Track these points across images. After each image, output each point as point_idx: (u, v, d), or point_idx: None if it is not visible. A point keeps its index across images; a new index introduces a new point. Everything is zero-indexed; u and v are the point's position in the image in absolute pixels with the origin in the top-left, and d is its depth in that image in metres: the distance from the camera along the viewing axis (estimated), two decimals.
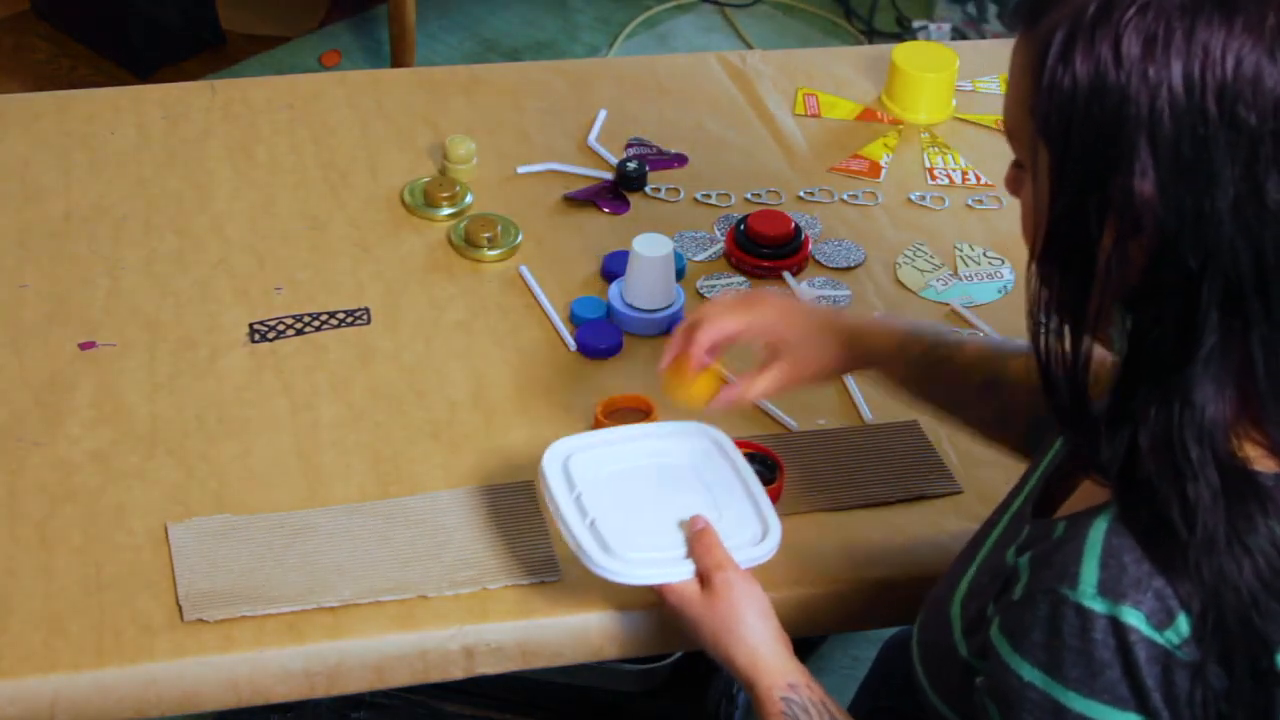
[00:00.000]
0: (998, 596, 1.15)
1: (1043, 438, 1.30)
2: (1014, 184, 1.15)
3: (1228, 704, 1.06)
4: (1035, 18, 1.07)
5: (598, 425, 1.56)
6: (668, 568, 1.34)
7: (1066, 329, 1.09)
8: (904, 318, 1.69)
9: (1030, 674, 1.09)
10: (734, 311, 1.44)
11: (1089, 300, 1.07)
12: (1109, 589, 1.06)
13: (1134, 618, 1.05)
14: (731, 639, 1.30)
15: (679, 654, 1.90)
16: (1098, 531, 1.08)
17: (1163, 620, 1.05)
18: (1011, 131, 1.12)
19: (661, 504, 1.39)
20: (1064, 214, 1.06)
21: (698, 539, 1.34)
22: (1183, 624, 1.05)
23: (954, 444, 1.59)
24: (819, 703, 1.26)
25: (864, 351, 1.45)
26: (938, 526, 1.52)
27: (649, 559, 1.35)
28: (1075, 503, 1.18)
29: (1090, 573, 1.06)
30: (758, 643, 1.29)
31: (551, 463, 1.41)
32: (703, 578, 1.32)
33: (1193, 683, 1.06)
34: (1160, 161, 1.02)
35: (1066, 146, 1.04)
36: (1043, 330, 1.10)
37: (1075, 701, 1.08)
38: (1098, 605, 1.06)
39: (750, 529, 1.38)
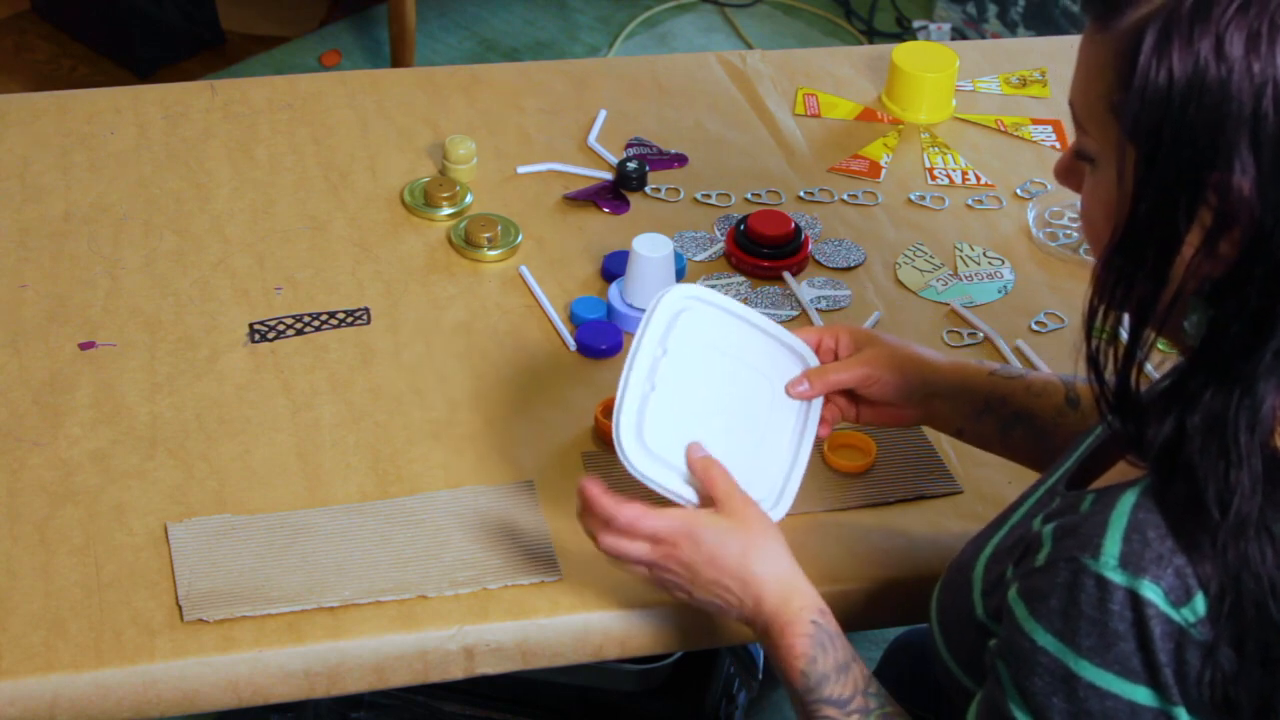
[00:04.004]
0: (1019, 561, 1.16)
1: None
2: (1069, 175, 1.15)
3: (1235, 687, 1.07)
4: (1115, 13, 1.06)
5: (598, 425, 1.56)
6: (679, 486, 1.34)
7: (1126, 319, 1.09)
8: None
9: (1044, 639, 1.10)
10: (856, 367, 1.43)
11: (1162, 293, 1.07)
12: (1130, 562, 1.06)
13: (1152, 592, 1.06)
14: (768, 554, 1.31)
15: (679, 654, 1.90)
16: (1124, 505, 1.09)
17: (1180, 598, 1.06)
18: (1082, 126, 1.11)
19: (724, 406, 1.37)
20: (1150, 209, 1.05)
21: (706, 468, 1.34)
22: (1199, 603, 1.06)
23: (954, 444, 1.59)
24: (839, 635, 1.29)
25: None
26: (938, 526, 1.52)
27: (671, 465, 1.34)
28: (1107, 480, 1.19)
29: (1113, 545, 1.07)
30: (792, 561, 1.31)
31: (665, 308, 1.39)
32: (718, 500, 1.33)
33: (1204, 662, 1.06)
34: (1261, 158, 1.02)
35: (1158, 144, 1.04)
36: (1100, 320, 1.10)
37: (1086, 670, 1.08)
38: (1118, 577, 1.07)
39: (767, 485, 1.38)
